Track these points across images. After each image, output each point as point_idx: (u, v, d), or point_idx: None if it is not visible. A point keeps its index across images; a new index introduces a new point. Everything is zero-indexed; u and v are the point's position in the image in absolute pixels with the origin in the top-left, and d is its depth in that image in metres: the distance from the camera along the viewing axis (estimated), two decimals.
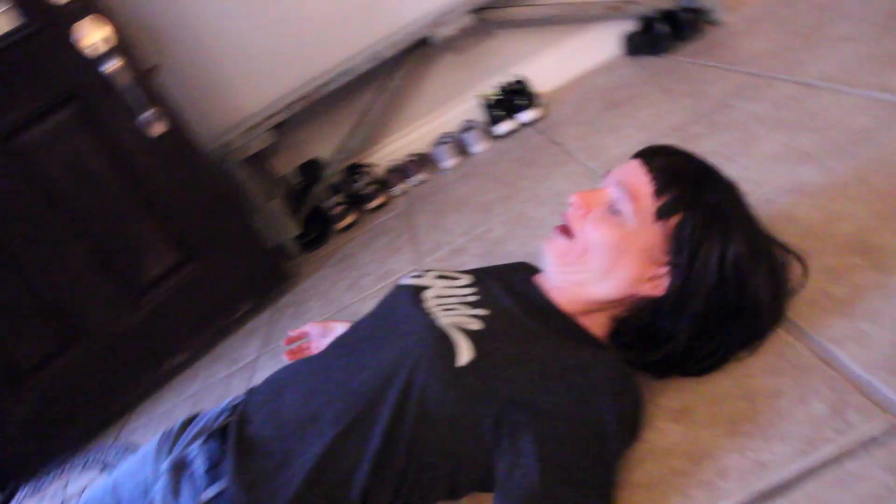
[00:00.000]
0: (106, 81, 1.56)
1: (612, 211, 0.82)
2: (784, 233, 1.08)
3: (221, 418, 0.92)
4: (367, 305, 1.11)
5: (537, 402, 0.73)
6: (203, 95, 2.14)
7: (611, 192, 0.84)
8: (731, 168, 1.36)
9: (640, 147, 0.90)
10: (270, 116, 2.00)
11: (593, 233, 0.82)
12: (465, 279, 0.97)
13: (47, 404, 1.69)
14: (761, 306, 0.81)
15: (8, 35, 1.52)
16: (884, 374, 0.75)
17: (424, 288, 0.95)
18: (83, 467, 1.58)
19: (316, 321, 1.26)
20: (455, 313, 0.85)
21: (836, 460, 0.69)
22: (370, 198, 2.19)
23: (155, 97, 1.62)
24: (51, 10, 1.51)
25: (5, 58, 1.53)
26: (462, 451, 0.76)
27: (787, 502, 0.68)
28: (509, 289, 0.93)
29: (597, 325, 0.87)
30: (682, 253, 0.79)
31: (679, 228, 0.79)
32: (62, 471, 1.64)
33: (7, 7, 1.50)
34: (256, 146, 2.02)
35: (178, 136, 1.69)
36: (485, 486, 0.76)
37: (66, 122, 1.61)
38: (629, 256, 0.81)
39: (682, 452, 0.79)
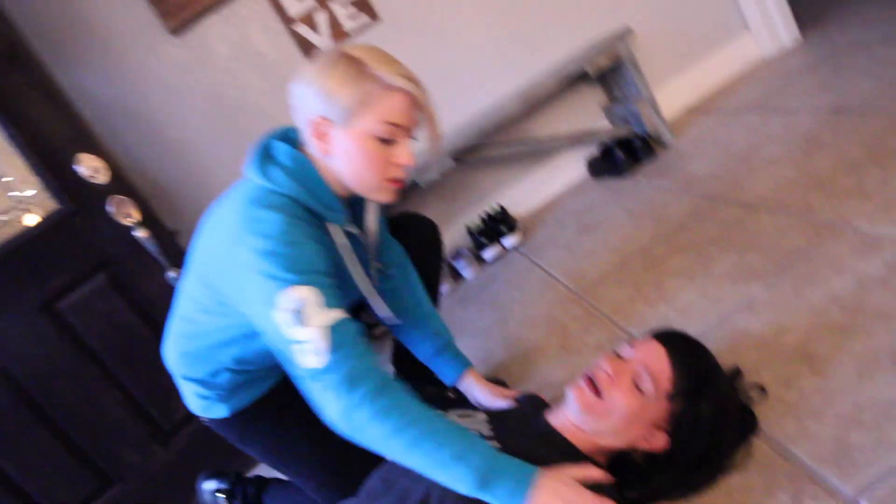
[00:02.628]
0: (135, 246, 1.79)
1: (637, 385, 1.04)
2: (741, 347, 1.28)
3: None
4: None
5: None
6: None
7: (636, 368, 1.05)
8: (693, 287, 1.57)
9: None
10: None
11: (621, 401, 1.03)
12: (482, 415, 1.15)
13: None
14: (727, 464, 1.03)
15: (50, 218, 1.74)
16: (831, 466, 0.92)
17: None
18: None
19: None
20: None
21: None
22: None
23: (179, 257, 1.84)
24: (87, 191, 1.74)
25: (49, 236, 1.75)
26: None
27: None
28: (521, 421, 1.12)
29: (596, 458, 1.08)
30: (682, 429, 1.03)
31: (683, 410, 1.03)
32: None
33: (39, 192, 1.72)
34: None
35: None
36: None
37: (101, 286, 1.82)
38: (640, 422, 1.04)
39: None
